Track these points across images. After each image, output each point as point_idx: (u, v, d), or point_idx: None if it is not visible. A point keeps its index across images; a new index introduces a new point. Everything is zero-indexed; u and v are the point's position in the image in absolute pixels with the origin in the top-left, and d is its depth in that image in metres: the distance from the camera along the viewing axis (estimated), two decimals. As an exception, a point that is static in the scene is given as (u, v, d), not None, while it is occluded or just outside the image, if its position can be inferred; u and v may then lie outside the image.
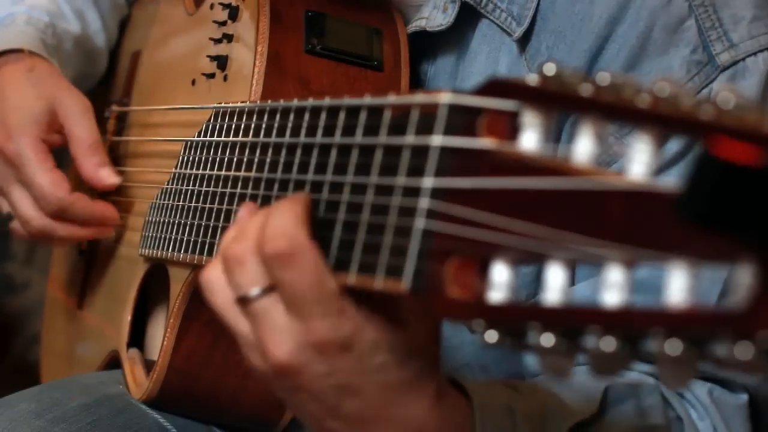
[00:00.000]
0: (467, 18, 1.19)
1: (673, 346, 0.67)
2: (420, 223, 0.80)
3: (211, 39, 1.23)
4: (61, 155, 1.41)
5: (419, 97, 0.83)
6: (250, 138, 1.04)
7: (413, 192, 0.81)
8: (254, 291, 0.85)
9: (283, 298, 0.84)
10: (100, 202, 1.39)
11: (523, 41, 1.16)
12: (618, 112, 0.71)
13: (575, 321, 0.72)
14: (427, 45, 1.23)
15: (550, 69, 0.75)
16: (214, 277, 0.89)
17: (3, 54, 1.42)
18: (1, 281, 2.46)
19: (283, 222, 0.84)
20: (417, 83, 1.21)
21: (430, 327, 0.87)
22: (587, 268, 0.84)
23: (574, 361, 0.77)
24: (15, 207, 1.37)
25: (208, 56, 1.23)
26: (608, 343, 0.70)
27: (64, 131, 1.38)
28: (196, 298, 1.19)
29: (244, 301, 0.86)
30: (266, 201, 1.00)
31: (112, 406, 1.25)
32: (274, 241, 0.83)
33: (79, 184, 1.40)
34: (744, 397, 1.09)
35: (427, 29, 1.20)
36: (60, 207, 1.34)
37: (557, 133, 1.06)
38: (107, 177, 1.37)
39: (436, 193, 0.79)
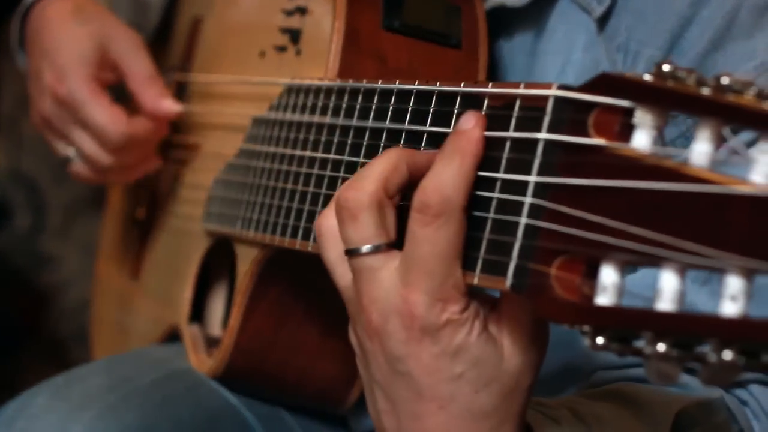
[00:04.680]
0: None
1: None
2: (525, 219, 0.78)
3: (282, 11, 1.20)
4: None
5: (524, 90, 0.81)
6: (328, 118, 1.02)
7: (518, 187, 0.79)
8: (365, 248, 0.83)
9: (406, 251, 0.81)
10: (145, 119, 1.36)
11: (602, 21, 1.13)
12: (742, 116, 0.69)
13: (692, 330, 0.69)
14: (504, 21, 1.20)
15: (666, 66, 0.73)
16: (329, 226, 0.87)
17: None
18: (34, 256, 2.45)
19: (446, 177, 0.80)
20: (491, 60, 1.18)
21: (525, 360, 0.83)
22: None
23: (681, 368, 0.75)
24: (80, 148, 1.35)
25: (280, 28, 1.20)
26: (726, 355, 0.68)
27: (119, 68, 1.36)
28: (265, 277, 1.17)
29: (351, 254, 0.84)
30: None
31: (182, 381, 1.24)
32: (428, 194, 0.80)
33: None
34: None
35: (507, 4, 1.17)
36: (124, 140, 1.32)
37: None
38: (170, 106, 1.34)
39: (543, 190, 0.77)
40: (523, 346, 0.82)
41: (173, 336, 1.35)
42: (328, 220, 0.87)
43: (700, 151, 0.71)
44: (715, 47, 1.07)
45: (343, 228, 0.84)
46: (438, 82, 0.89)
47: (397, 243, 0.84)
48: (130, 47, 1.35)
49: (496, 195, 0.81)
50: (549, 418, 0.89)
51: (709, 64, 1.07)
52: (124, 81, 1.36)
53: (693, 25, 1.08)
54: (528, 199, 0.78)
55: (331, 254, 0.88)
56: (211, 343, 1.27)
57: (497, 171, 0.81)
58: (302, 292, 1.19)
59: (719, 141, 0.71)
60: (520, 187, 0.79)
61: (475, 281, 0.81)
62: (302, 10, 1.17)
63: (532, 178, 0.78)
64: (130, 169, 1.39)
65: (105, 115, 1.31)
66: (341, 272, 0.87)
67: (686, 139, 1.01)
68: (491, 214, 0.81)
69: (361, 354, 0.87)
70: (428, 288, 0.80)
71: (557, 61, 1.16)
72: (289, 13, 1.19)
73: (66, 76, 1.33)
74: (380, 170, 0.84)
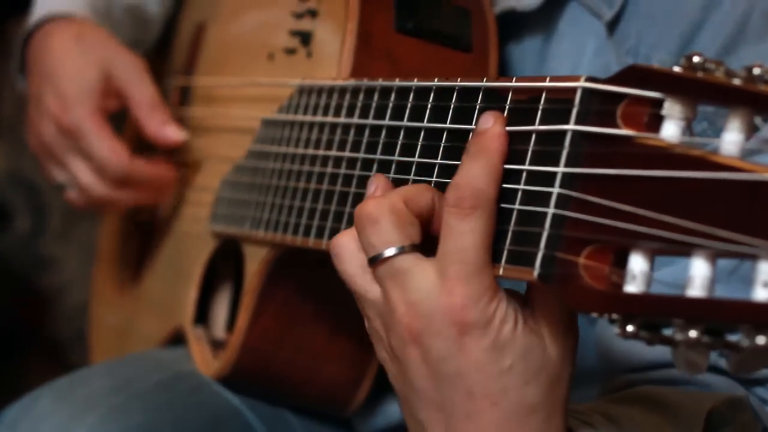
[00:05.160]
0: None
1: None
2: (552, 210, 0.78)
3: (292, 13, 1.21)
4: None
5: (551, 82, 0.82)
6: (343, 118, 1.02)
7: (545, 179, 0.79)
8: (389, 251, 0.82)
9: (443, 246, 0.80)
10: (157, 163, 1.37)
11: (612, 25, 1.14)
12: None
13: (725, 316, 0.70)
14: (514, 26, 1.21)
15: (696, 58, 0.74)
16: (345, 241, 0.85)
17: (53, 20, 1.40)
18: (34, 258, 2.44)
19: (476, 173, 0.81)
20: (501, 64, 1.19)
21: (566, 348, 0.83)
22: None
23: (709, 356, 0.76)
24: (75, 177, 1.35)
25: (290, 31, 1.21)
26: (760, 339, 0.69)
27: (122, 94, 1.36)
28: (274, 277, 1.17)
29: (376, 262, 0.82)
30: (362, 181, 0.98)
31: (187, 384, 1.24)
32: (461, 188, 0.80)
33: (136, 148, 1.38)
34: None
35: (517, 9, 1.18)
36: (122, 175, 1.33)
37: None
38: (174, 133, 1.35)
39: (571, 180, 0.78)
40: (561, 335, 0.82)
41: (176, 339, 1.35)
42: (344, 238, 0.86)
43: (730, 140, 0.71)
44: (728, 51, 1.08)
45: (364, 235, 0.83)
46: (459, 79, 0.90)
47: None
48: (133, 73, 1.36)
49: (521, 186, 0.81)
50: (584, 423, 0.89)
51: None
52: (128, 107, 1.37)
53: (704, 29, 1.09)
54: (556, 190, 0.79)
55: (348, 267, 0.85)
56: (216, 345, 1.27)
57: (522, 163, 0.82)
58: (311, 292, 1.19)
59: (750, 131, 0.72)
60: (547, 178, 0.79)
61: (501, 272, 0.81)
62: (313, 13, 1.18)
63: (560, 169, 0.79)
64: (116, 207, 1.40)
65: (106, 147, 1.32)
66: (362, 284, 0.85)
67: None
68: (517, 206, 0.81)
69: (394, 368, 0.85)
70: (471, 280, 0.80)
71: (567, 65, 1.16)
72: (300, 16, 1.20)
73: (71, 107, 1.34)
74: (404, 189, 0.85)
